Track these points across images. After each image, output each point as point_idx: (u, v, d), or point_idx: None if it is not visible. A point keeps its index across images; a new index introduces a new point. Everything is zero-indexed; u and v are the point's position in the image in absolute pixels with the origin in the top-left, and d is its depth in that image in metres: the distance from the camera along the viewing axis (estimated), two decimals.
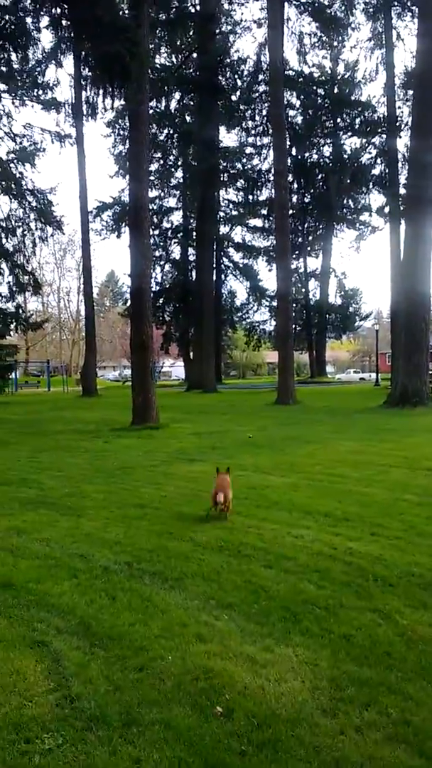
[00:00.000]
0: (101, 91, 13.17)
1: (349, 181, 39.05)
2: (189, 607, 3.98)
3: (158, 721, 2.73)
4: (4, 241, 31.40)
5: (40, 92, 30.00)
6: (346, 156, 41.24)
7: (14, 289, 32.33)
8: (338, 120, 42.52)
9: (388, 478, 8.06)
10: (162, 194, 44.92)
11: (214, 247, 41.65)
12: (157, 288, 46.15)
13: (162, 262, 46.61)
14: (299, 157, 43.29)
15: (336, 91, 41.57)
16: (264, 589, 4.27)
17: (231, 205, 46.87)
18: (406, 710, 2.78)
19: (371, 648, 3.38)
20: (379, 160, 37.99)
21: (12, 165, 30.72)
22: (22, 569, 4.75)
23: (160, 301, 46.29)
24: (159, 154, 40.23)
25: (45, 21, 17.02)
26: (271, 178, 35.32)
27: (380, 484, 7.68)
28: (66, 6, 13.30)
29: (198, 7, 34.82)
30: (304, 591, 4.22)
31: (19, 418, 20.21)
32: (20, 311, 33.79)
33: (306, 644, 3.44)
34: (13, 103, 30.02)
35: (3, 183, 30.09)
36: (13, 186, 30.76)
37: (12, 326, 33.46)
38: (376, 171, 38.67)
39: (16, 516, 6.45)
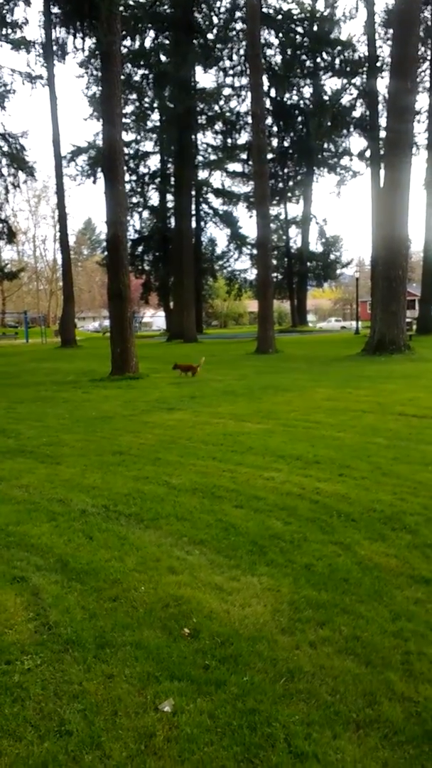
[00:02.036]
0: (71, 32, 12.67)
1: (329, 123, 38.19)
2: (162, 544, 4.20)
3: (130, 642, 2.96)
4: None
5: (9, 31, 28.79)
6: (326, 97, 40.24)
7: None
8: (318, 60, 41.28)
9: (361, 423, 8.29)
10: (138, 138, 43.78)
11: (193, 192, 40.91)
12: (136, 236, 45.49)
13: (140, 209, 45.85)
14: (279, 98, 42.19)
15: (315, 29, 40.24)
16: (234, 526, 4.50)
17: (209, 149, 45.81)
18: (357, 628, 3.05)
19: (330, 575, 3.64)
20: (359, 102, 37.13)
21: None
22: (2, 513, 4.93)
23: (139, 249, 45.69)
24: (134, 96, 38.96)
25: None
26: (250, 121, 34.49)
27: (353, 429, 7.90)
28: None
29: None
30: (272, 527, 4.46)
31: None
32: None
33: (270, 573, 3.69)
34: None
35: None
36: None
37: None
38: (356, 113, 37.86)
39: None
